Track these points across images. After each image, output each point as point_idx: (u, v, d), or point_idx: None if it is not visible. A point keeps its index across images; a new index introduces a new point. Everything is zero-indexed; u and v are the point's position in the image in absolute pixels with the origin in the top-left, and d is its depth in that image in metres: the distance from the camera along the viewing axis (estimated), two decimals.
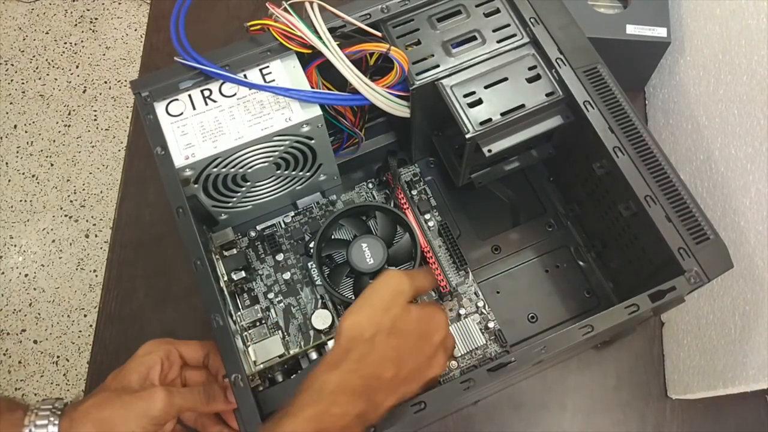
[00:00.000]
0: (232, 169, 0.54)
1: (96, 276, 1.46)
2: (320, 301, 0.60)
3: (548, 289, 0.63)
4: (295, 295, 0.61)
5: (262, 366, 0.54)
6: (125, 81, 1.68)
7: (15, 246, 1.50)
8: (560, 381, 0.64)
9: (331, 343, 0.57)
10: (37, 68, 1.70)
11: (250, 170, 0.55)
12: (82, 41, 1.73)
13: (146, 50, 0.86)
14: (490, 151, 0.53)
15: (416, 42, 0.55)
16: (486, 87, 0.53)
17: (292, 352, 0.56)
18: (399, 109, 0.55)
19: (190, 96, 0.53)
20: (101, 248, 1.49)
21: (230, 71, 0.52)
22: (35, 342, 1.41)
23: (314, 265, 0.59)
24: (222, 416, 0.53)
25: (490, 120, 0.52)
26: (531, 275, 0.63)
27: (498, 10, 0.56)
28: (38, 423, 0.44)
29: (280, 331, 0.59)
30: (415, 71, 0.53)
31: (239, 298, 0.60)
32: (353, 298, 0.58)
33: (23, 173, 1.57)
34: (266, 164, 0.55)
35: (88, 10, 1.77)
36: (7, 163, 1.58)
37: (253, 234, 0.63)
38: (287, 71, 0.54)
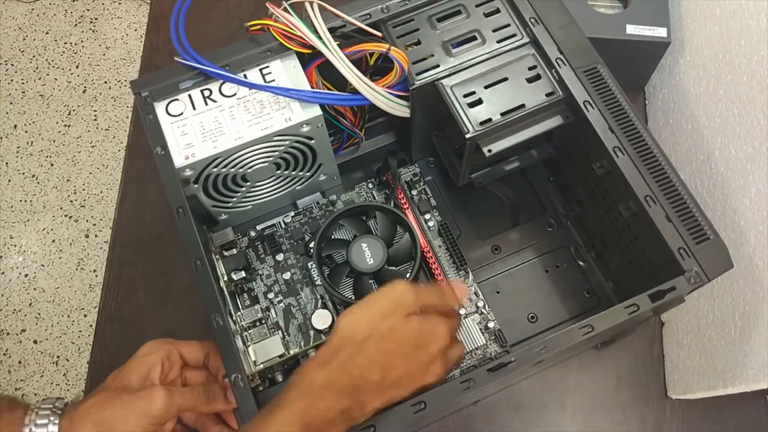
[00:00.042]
0: (232, 169, 0.54)
1: (96, 276, 1.46)
2: (320, 301, 0.60)
3: (548, 289, 0.63)
4: (295, 295, 0.61)
5: (262, 366, 0.54)
6: (125, 81, 1.68)
7: (15, 246, 1.50)
8: (560, 381, 0.64)
9: None
10: (37, 68, 1.70)
11: (250, 170, 0.55)
12: (82, 41, 1.73)
13: (146, 50, 0.86)
14: (490, 151, 0.53)
15: (416, 42, 0.55)
16: (486, 87, 0.53)
17: (292, 352, 0.56)
18: (399, 109, 0.55)
19: (190, 96, 0.53)
20: (101, 248, 1.49)
21: (230, 71, 0.52)
22: (35, 342, 1.40)
23: (314, 265, 0.59)
24: (222, 416, 0.53)
25: (490, 120, 0.52)
26: (531, 275, 0.63)
27: (498, 10, 0.56)
28: (38, 422, 0.44)
29: (280, 331, 0.59)
30: (415, 71, 0.53)
31: (239, 298, 0.60)
32: (353, 298, 0.58)
33: (23, 173, 1.57)
34: (266, 164, 0.55)
35: (88, 10, 1.77)
36: (7, 163, 1.58)
37: (253, 234, 0.63)
38: (287, 71, 0.54)
